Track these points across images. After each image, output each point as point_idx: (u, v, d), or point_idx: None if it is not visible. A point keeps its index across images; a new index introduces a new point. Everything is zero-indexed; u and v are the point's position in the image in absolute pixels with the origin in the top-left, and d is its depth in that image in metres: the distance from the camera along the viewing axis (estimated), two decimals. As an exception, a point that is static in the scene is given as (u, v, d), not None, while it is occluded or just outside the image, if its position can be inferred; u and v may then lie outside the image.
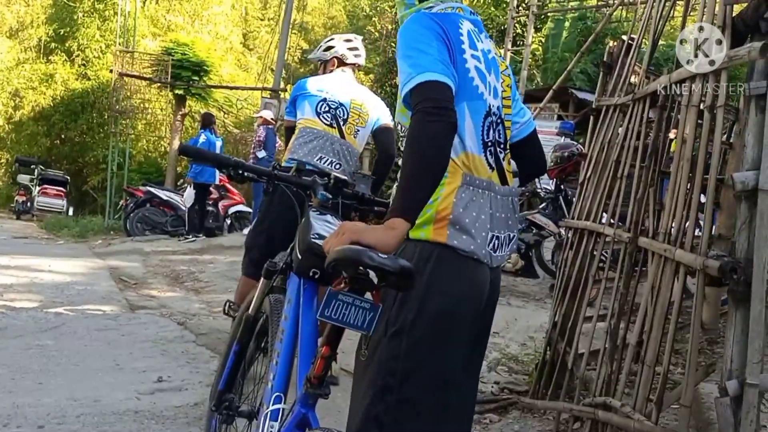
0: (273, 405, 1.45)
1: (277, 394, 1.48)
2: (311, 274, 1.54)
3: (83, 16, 19.79)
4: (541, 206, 6.59)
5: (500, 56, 1.77)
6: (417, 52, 1.47)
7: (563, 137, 8.11)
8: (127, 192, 11.55)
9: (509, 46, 12.70)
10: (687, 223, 2.15)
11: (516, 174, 1.72)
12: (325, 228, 1.55)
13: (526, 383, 3.65)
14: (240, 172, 1.82)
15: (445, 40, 1.53)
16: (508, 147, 1.70)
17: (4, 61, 20.87)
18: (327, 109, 3.51)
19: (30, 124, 19.53)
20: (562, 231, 5.23)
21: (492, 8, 15.90)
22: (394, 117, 2.31)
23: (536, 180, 9.79)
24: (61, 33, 20.22)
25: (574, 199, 4.15)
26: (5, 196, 20.21)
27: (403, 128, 1.57)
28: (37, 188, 16.43)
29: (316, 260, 1.47)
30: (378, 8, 19.46)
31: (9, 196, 19.00)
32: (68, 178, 17.68)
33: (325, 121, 3.49)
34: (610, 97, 3.31)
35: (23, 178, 16.84)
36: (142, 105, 16.54)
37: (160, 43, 18.35)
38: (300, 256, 1.56)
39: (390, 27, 16.34)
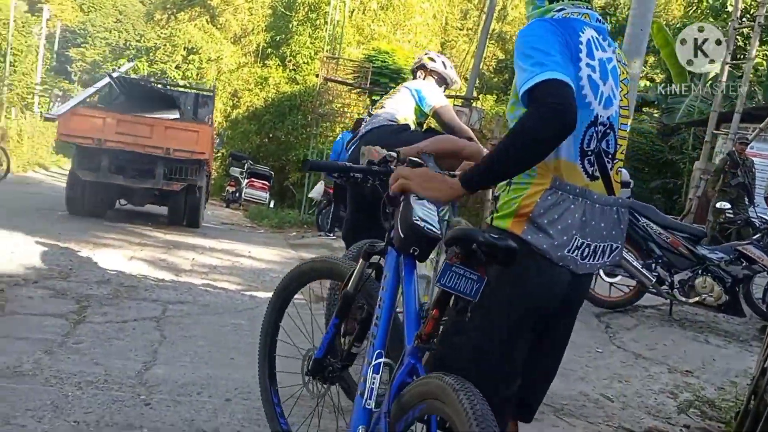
0: (375, 360, 1.66)
1: (379, 351, 1.68)
2: (411, 251, 1.72)
3: (297, 24, 21.43)
4: (754, 237, 5.88)
5: (623, 63, 1.76)
6: (539, 53, 1.51)
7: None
8: (321, 190, 12.21)
9: (728, 59, 11.59)
10: None
11: (627, 185, 1.65)
12: (424, 210, 1.73)
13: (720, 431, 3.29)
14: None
15: (564, 45, 1.56)
16: (617, 157, 1.70)
17: (228, 64, 23.25)
18: None
19: (244, 122, 21.53)
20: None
21: (711, 18, 14.63)
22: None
23: (751, 207, 8.82)
24: (277, 39, 22.11)
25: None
26: (218, 186, 22.46)
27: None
28: (245, 181, 18.00)
29: (417, 239, 1.69)
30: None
31: (221, 186, 21.06)
32: (272, 173, 19.21)
33: None
34: None
35: (234, 171, 18.60)
36: (342, 109, 17.48)
37: (363, 51, 19.29)
38: (402, 235, 1.74)
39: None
